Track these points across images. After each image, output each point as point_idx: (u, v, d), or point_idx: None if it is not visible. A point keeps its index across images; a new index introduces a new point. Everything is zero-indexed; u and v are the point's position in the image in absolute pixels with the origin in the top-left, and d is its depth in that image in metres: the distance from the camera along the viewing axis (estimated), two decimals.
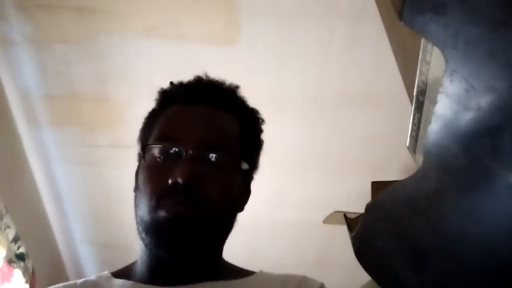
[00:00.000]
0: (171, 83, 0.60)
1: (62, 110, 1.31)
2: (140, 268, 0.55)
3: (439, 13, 0.24)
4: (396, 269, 0.34)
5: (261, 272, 0.59)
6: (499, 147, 0.24)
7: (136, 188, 0.54)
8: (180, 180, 0.47)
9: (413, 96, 0.39)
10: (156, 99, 0.60)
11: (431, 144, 0.27)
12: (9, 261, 1.21)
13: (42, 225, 1.52)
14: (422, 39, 0.36)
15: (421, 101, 0.37)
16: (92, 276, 0.56)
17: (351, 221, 0.49)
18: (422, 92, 0.37)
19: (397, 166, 1.25)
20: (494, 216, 0.26)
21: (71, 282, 0.54)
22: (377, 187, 0.49)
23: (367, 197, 0.42)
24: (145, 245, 0.51)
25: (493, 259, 0.27)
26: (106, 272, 0.56)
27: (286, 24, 1.11)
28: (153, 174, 0.51)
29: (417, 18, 0.25)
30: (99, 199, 1.48)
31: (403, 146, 0.43)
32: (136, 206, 0.52)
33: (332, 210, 1.34)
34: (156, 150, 0.51)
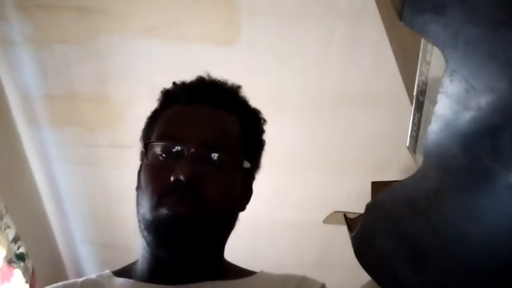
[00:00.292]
0: (174, 83, 0.60)
1: (62, 110, 1.31)
2: (141, 267, 0.55)
3: (439, 13, 0.24)
4: (396, 269, 0.34)
5: (262, 272, 0.59)
6: (499, 147, 0.24)
7: (139, 187, 0.54)
8: (182, 178, 0.47)
9: (413, 96, 0.39)
10: (158, 99, 0.60)
11: (431, 144, 0.27)
12: (9, 261, 1.21)
13: (42, 225, 1.52)
14: (422, 39, 0.36)
15: (421, 101, 0.37)
16: (93, 275, 0.56)
17: (351, 221, 0.49)
18: (422, 92, 0.37)
19: (397, 166, 1.25)
20: (494, 216, 0.26)
21: (71, 281, 0.54)
22: (377, 187, 0.49)
23: (367, 197, 0.42)
24: (147, 243, 0.51)
25: (493, 259, 0.27)
26: (107, 271, 0.56)
27: (286, 24, 1.11)
28: (155, 172, 0.51)
29: (417, 18, 0.25)
30: (99, 199, 1.48)
31: (403, 146, 0.43)
32: (138, 204, 0.52)
33: (332, 210, 1.34)
34: (158, 149, 0.52)
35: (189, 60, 1.13)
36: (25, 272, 1.28)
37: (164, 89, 0.61)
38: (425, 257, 0.31)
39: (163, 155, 0.51)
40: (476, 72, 0.24)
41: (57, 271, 1.61)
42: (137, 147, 0.58)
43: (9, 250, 1.21)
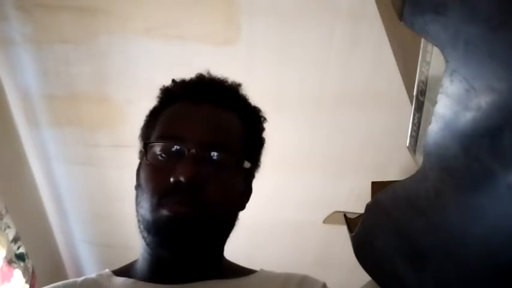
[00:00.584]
0: (173, 80, 0.60)
1: (62, 110, 1.31)
2: (141, 266, 0.55)
3: (439, 13, 0.24)
4: (396, 268, 0.34)
5: (262, 271, 0.59)
6: (499, 148, 0.24)
7: (138, 186, 0.53)
8: (182, 179, 0.46)
9: (413, 96, 0.39)
10: (157, 96, 0.60)
11: (431, 144, 0.27)
12: (9, 261, 1.21)
13: (42, 225, 1.52)
14: (422, 39, 0.36)
15: (421, 101, 0.37)
16: (92, 274, 0.56)
17: (351, 221, 0.49)
18: (422, 92, 0.37)
19: (397, 166, 1.25)
20: (494, 216, 0.26)
21: (71, 280, 0.54)
22: (377, 187, 0.49)
23: (367, 197, 0.42)
24: (147, 244, 0.50)
25: (492, 259, 0.27)
26: (107, 270, 0.56)
27: (286, 24, 1.11)
28: (155, 173, 0.50)
29: (417, 18, 0.25)
30: (99, 199, 1.48)
31: (403, 146, 0.43)
32: (137, 204, 0.52)
33: (332, 210, 1.34)
34: (157, 148, 0.51)
35: (189, 60, 1.13)
36: (25, 272, 1.28)
37: (164, 86, 0.60)
38: (425, 257, 0.31)
39: (163, 155, 0.51)
40: (476, 72, 0.24)
41: (57, 271, 1.61)
42: (137, 146, 0.58)
43: (9, 250, 1.21)
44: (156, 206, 0.48)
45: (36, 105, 1.30)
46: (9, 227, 1.23)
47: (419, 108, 0.38)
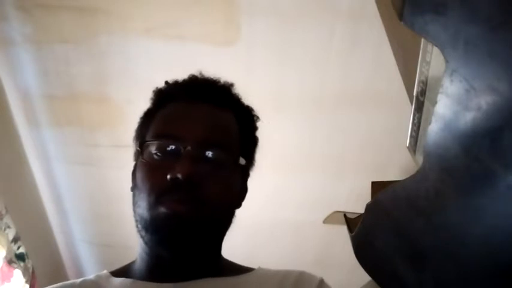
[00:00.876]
0: (166, 82, 0.60)
1: (62, 110, 1.31)
2: (139, 266, 0.55)
3: (439, 13, 0.24)
4: (396, 268, 0.34)
5: (260, 269, 0.59)
6: (499, 148, 0.24)
7: (134, 187, 0.53)
8: (179, 176, 0.46)
9: (413, 96, 0.39)
10: (151, 98, 0.60)
11: (431, 144, 0.27)
12: (9, 261, 1.21)
13: (42, 225, 1.52)
14: (422, 39, 0.36)
15: (421, 101, 0.37)
16: (91, 275, 0.56)
17: (351, 221, 0.49)
18: (422, 92, 0.37)
19: (397, 166, 1.25)
20: (494, 216, 0.26)
21: (69, 282, 0.54)
22: (377, 187, 0.49)
23: (367, 197, 0.42)
24: (145, 243, 0.51)
25: (492, 259, 0.27)
26: (105, 271, 0.56)
27: (286, 24, 1.11)
28: (152, 171, 0.50)
29: (417, 18, 0.25)
30: (99, 199, 1.48)
31: (403, 146, 0.43)
32: (135, 204, 0.52)
33: (332, 210, 1.34)
34: (153, 148, 0.51)
35: (189, 60, 1.13)
36: (25, 272, 1.28)
37: (157, 88, 0.60)
38: (425, 257, 0.31)
39: (159, 154, 0.51)
40: (476, 72, 0.24)
41: (57, 271, 1.61)
42: (133, 148, 0.58)
43: (9, 250, 1.21)
44: (153, 204, 0.48)
45: (36, 105, 1.30)
46: (9, 227, 1.23)
47: (419, 108, 0.38)
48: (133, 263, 0.57)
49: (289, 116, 1.25)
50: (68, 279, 0.55)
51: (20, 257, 1.28)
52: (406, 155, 0.44)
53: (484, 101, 0.24)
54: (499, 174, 0.24)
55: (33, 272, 1.34)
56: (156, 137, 0.52)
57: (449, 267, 0.30)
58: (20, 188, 1.40)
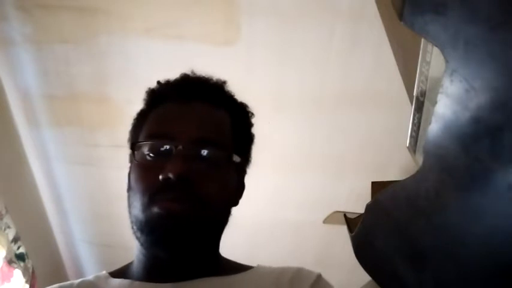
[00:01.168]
0: (158, 82, 0.60)
1: (62, 110, 1.31)
2: (137, 267, 0.55)
3: (439, 13, 0.24)
4: (396, 268, 0.34)
5: (259, 267, 0.59)
6: (499, 148, 0.24)
7: (129, 188, 0.53)
8: (171, 176, 0.46)
9: (413, 96, 0.39)
10: (144, 99, 0.60)
11: (431, 144, 0.27)
12: (9, 261, 1.21)
13: (42, 225, 1.52)
14: (422, 39, 0.36)
15: (421, 101, 0.37)
16: (89, 276, 0.56)
17: (351, 221, 0.49)
18: (422, 92, 0.37)
19: (397, 166, 1.25)
20: (494, 216, 0.26)
21: (68, 282, 0.54)
22: (377, 187, 0.49)
23: (367, 197, 0.42)
24: (141, 244, 0.50)
25: (492, 259, 0.27)
26: (104, 272, 0.56)
27: (286, 24, 1.11)
28: (145, 172, 0.50)
29: (417, 18, 0.25)
30: (99, 199, 1.48)
31: (403, 146, 0.43)
32: (130, 205, 0.51)
33: (332, 210, 1.34)
34: (146, 148, 0.51)
35: (189, 60, 1.13)
36: (25, 272, 1.28)
37: (149, 88, 0.60)
38: (425, 257, 0.31)
39: (152, 155, 0.51)
40: (476, 72, 0.24)
41: (57, 271, 1.61)
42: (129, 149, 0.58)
43: (9, 250, 1.21)
44: (147, 205, 0.48)
45: (36, 105, 1.30)
46: (9, 227, 1.23)
47: (419, 108, 0.38)
48: (131, 263, 0.57)
49: (289, 116, 1.25)
50: (68, 279, 0.55)
51: (20, 257, 1.28)
52: (406, 155, 0.44)
53: (484, 100, 0.24)
54: (499, 174, 0.24)
55: (33, 272, 1.34)
56: (149, 137, 0.52)
57: (449, 267, 0.30)
58: (20, 188, 1.40)
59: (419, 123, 0.38)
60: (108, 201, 1.47)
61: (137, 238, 0.50)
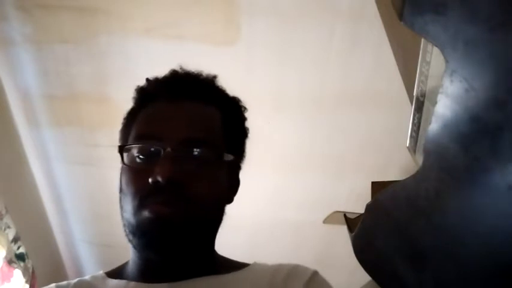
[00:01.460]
0: (147, 79, 0.59)
1: (62, 110, 1.31)
2: (132, 268, 0.54)
3: (439, 14, 0.24)
4: (396, 268, 0.34)
5: (256, 264, 0.58)
6: (498, 147, 0.24)
7: (120, 191, 0.53)
8: (159, 179, 0.46)
9: (413, 96, 0.39)
10: (133, 97, 0.59)
11: (431, 144, 0.27)
12: (9, 261, 1.21)
13: (42, 225, 1.52)
14: (422, 39, 0.36)
15: (421, 101, 0.37)
16: (86, 276, 0.55)
17: (351, 221, 0.49)
18: (422, 92, 0.37)
19: (397, 166, 1.25)
20: (494, 216, 0.26)
21: (64, 282, 0.54)
22: (377, 187, 0.49)
23: (367, 197, 0.42)
24: (134, 247, 0.50)
25: (492, 259, 0.27)
26: (101, 272, 0.55)
27: (286, 24, 1.11)
28: (134, 175, 0.50)
29: (417, 18, 0.25)
30: (99, 199, 1.48)
31: (403, 146, 0.43)
32: (121, 208, 0.51)
33: (332, 210, 1.34)
34: (135, 150, 0.50)
35: (189, 60, 1.13)
36: (25, 272, 1.28)
37: (138, 87, 0.59)
38: (425, 257, 0.31)
39: (141, 157, 0.50)
40: (476, 72, 0.24)
41: (57, 271, 1.61)
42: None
43: (9, 250, 1.21)
44: (137, 209, 0.48)
45: (36, 105, 1.30)
46: (9, 227, 1.23)
47: (419, 108, 0.38)
48: (127, 263, 0.57)
49: (289, 116, 1.24)
50: (68, 279, 0.55)
51: (20, 257, 1.28)
52: (406, 155, 0.44)
53: (484, 100, 0.24)
54: (498, 174, 0.24)
55: (33, 272, 1.34)
56: (138, 138, 0.52)
57: (449, 267, 0.30)
58: (20, 188, 1.40)
59: (419, 123, 0.38)
60: (108, 201, 1.47)
61: (130, 241, 0.50)
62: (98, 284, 0.53)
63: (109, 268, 0.58)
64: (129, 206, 0.49)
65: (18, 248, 1.27)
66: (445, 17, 0.24)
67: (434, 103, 0.26)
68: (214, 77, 0.59)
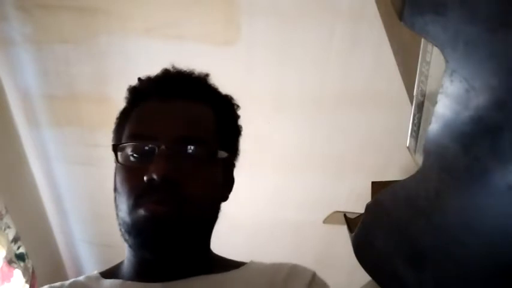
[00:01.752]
0: (139, 79, 0.59)
1: (62, 110, 1.31)
2: (128, 267, 0.54)
3: (439, 14, 0.24)
4: (396, 268, 0.34)
5: (252, 263, 0.58)
6: (499, 147, 0.24)
7: (115, 190, 0.53)
8: (154, 177, 0.46)
9: (413, 96, 0.39)
10: (125, 97, 0.59)
11: (431, 144, 0.27)
12: (9, 261, 1.21)
13: (42, 225, 1.52)
14: (422, 39, 0.36)
15: (421, 101, 0.37)
16: (80, 277, 0.55)
17: (351, 221, 0.49)
18: (422, 92, 0.37)
19: (397, 166, 1.25)
20: (494, 216, 0.26)
21: (58, 283, 0.53)
22: (377, 187, 0.49)
23: (367, 197, 0.42)
24: (129, 246, 0.50)
25: (492, 259, 0.27)
26: (95, 272, 0.55)
27: (286, 24, 1.11)
28: (129, 174, 0.50)
29: (417, 18, 0.25)
30: (99, 199, 1.48)
31: (403, 146, 0.43)
32: (116, 207, 0.51)
33: (332, 210, 1.34)
34: (129, 149, 0.50)
35: (189, 60, 1.13)
36: (25, 272, 1.28)
37: (130, 86, 0.59)
38: (425, 257, 0.31)
39: (135, 155, 0.50)
40: (476, 73, 0.24)
41: (57, 271, 1.61)
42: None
43: (9, 250, 1.21)
44: (132, 207, 0.48)
45: (36, 105, 1.30)
46: (9, 227, 1.23)
47: (419, 108, 0.38)
48: (122, 263, 0.57)
49: (289, 116, 1.24)
50: (67, 279, 0.55)
51: (20, 257, 1.28)
52: (406, 155, 0.44)
53: (484, 100, 0.24)
54: (499, 174, 0.24)
55: (33, 272, 1.34)
56: (132, 137, 0.52)
57: (449, 267, 0.30)
58: (20, 188, 1.40)
59: (419, 123, 0.38)
60: (108, 201, 1.45)
61: (125, 240, 0.50)
62: (92, 284, 0.53)
63: None
64: (124, 205, 0.49)
65: (18, 248, 1.27)
66: (445, 17, 0.24)
67: (434, 103, 0.26)
68: (207, 75, 0.59)
